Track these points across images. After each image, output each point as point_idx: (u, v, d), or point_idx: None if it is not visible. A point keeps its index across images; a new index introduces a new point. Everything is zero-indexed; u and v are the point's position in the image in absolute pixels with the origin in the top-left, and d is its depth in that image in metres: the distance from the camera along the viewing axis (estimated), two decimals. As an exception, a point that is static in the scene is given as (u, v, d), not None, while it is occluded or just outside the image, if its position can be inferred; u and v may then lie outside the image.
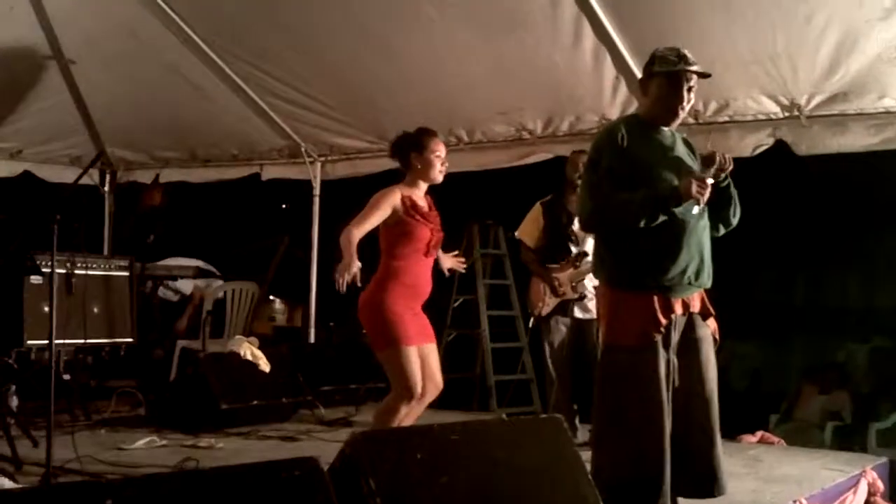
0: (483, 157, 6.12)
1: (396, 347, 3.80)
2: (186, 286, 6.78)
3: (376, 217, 3.83)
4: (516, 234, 5.39)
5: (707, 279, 3.37)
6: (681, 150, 3.42)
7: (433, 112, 6.07)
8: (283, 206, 12.12)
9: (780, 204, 8.06)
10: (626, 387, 3.22)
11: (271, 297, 9.17)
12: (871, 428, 6.90)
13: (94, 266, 5.63)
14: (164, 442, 4.94)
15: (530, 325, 5.19)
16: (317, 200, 7.10)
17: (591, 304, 5.11)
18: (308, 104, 6.45)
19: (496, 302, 7.96)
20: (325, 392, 6.12)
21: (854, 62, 4.65)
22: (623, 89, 5.36)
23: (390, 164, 6.47)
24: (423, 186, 4.04)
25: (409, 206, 3.91)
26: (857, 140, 4.98)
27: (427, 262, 3.98)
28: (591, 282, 5.10)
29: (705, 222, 3.38)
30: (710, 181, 3.20)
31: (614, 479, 3.14)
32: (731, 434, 5.17)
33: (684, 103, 3.30)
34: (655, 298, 3.23)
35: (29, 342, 5.26)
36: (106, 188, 7.95)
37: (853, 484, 4.35)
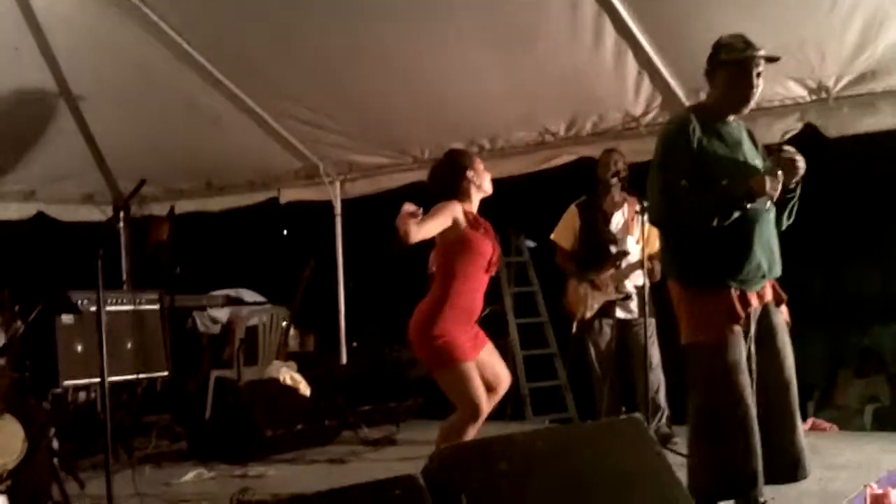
0: (507, 164, 6.02)
1: (454, 367, 3.67)
2: (222, 315, 6.71)
3: (437, 224, 3.62)
4: (551, 236, 5.32)
5: (778, 269, 3.37)
6: (747, 144, 3.39)
7: (453, 124, 6.05)
8: (284, 231, 12.05)
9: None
10: (715, 385, 3.19)
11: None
12: (911, 408, 6.89)
13: (124, 301, 5.57)
14: (212, 474, 4.90)
15: (573, 329, 5.11)
16: (339, 220, 7.02)
17: (633, 304, 5.06)
18: (324, 123, 6.39)
19: (523, 310, 7.90)
20: (365, 412, 6.06)
21: (881, 41, 4.61)
22: (646, 85, 5.31)
23: (411, 178, 6.50)
24: (476, 203, 3.91)
25: (472, 219, 3.80)
26: (885, 119, 4.93)
27: (485, 280, 3.84)
28: (631, 282, 5.06)
29: (772, 213, 3.35)
30: (780, 177, 3.16)
31: (712, 477, 3.13)
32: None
33: (755, 89, 3.26)
34: (733, 293, 3.21)
35: (65, 382, 5.18)
36: (121, 224, 7.87)
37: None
